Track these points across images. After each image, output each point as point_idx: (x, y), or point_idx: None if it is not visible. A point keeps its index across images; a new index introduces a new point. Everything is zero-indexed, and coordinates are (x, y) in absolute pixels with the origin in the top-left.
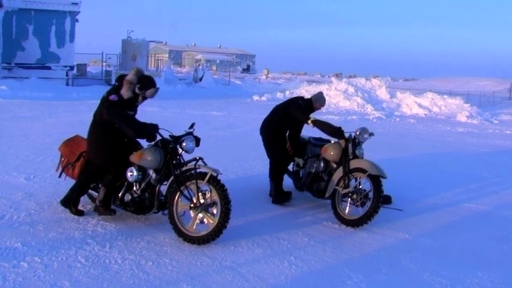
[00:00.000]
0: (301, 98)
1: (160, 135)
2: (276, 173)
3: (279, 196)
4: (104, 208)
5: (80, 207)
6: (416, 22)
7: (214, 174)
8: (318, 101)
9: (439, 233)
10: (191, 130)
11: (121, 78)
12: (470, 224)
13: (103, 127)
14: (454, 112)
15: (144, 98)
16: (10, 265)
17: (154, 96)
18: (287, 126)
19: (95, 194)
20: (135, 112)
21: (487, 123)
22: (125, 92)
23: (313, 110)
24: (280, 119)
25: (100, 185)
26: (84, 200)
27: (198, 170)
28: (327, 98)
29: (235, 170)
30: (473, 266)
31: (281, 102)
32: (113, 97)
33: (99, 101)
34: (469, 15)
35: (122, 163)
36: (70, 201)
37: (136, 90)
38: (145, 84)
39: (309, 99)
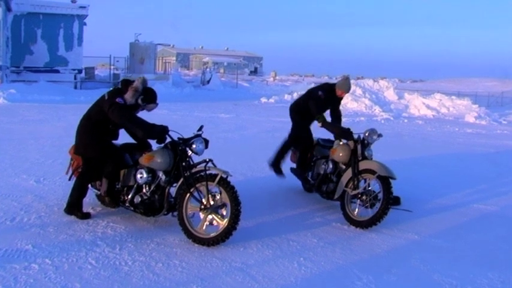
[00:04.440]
0: (323, 88)
1: (170, 137)
2: (285, 143)
3: (275, 163)
4: (109, 199)
5: (89, 209)
6: (423, 22)
7: (224, 176)
8: (341, 87)
9: (449, 234)
10: (200, 132)
11: (126, 83)
12: (479, 224)
13: (95, 125)
14: (463, 113)
15: (142, 109)
16: (21, 267)
17: (151, 111)
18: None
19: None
20: None
21: (496, 124)
22: (129, 98)
23: (336, 96)
24: (305, 107)
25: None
26: (94, 202)
27: (207, 172)
28: None
29: (244, 171)
30: (484, 267)
31: (314, 86)
32: (119, 100)
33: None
34: (470, 16)
35: (117, 153)
36: (74, 207)
37: (139, 101)
38: (149, 98)
39: (333, 86)
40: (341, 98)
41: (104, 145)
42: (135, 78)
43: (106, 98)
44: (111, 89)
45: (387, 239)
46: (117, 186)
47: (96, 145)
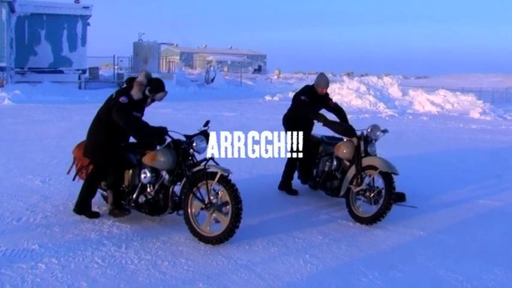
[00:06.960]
0: (304, 91)
1: (170, 137)
2: (289, 162)
3: (284, 185)
4: (118, 209)
5: (95, 208)
6: (426, 18)
7: (225, 174)
8: (319, 84)
9: (454, 230)
10: (206, 128)
11: (131, 81)
12: (485, 220)
13: (105, 126)
14: (467, 109)
15: (153, 101)
16: (28, 266)
17: (162, 100)
18: (304, 120)
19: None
20: (142, 114)
21: (501, 120)
22: (135, 93)
23: (319, 95)
24: (294, 116)
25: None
26: (99, 202)
27: (208, 170)
28: (338, 97)
29: (249, 169)
30: (489, 263)
31: (296, 92)
32: (123, 99)
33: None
34: (473, 12)
35: (121, 163)
36: (82, 207)
37: (147, 93)
38: (156, 87)
39: (313, 87)
40: (327, 95)
41: (109, 152)
42: (138, 74)
43: (113, 97)
44: (118, 88)
45: (392, 235)
46: (122, 186)
47: (102, 151)
